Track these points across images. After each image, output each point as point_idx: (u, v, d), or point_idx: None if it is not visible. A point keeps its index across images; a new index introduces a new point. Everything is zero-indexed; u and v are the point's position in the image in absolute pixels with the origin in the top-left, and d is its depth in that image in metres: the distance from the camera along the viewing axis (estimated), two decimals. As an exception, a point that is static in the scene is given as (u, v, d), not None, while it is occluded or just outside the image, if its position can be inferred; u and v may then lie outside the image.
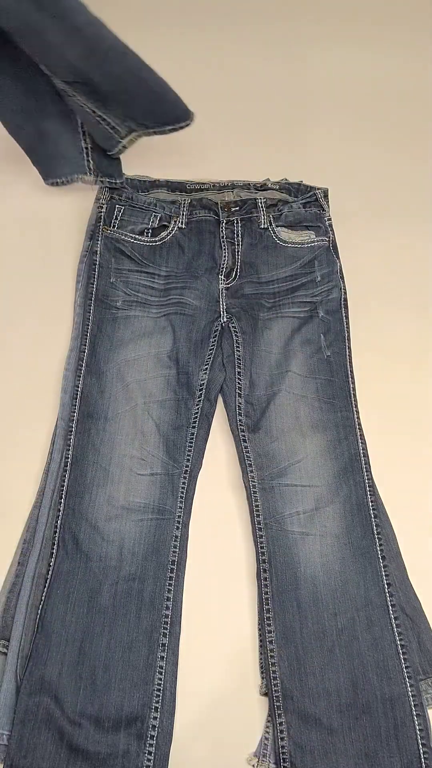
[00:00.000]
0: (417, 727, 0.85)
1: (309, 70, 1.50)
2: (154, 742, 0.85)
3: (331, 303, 1.15)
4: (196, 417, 1.06)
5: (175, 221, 1.18)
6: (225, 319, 1.13)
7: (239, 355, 1.10)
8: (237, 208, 1.19)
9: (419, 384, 1.14)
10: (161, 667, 0.88)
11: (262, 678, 0.90)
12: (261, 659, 0.91)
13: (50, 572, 0.92)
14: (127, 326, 1.11)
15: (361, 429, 1.04)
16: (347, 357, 1.11)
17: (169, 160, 1.30)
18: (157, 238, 1.16)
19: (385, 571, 0.93)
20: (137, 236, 1.16)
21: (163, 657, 0.89)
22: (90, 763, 0.83)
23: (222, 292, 1.15)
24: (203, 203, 1.19)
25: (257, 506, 0.99)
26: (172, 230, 1.17)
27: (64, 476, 0.98)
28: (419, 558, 0.98)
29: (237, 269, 1.16)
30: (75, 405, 1.04)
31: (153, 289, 1.14)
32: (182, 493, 1.00)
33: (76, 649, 0.88)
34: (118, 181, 1.14)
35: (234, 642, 0.93)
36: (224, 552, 0.99)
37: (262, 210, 1.19)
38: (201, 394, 1.07)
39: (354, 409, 1.06)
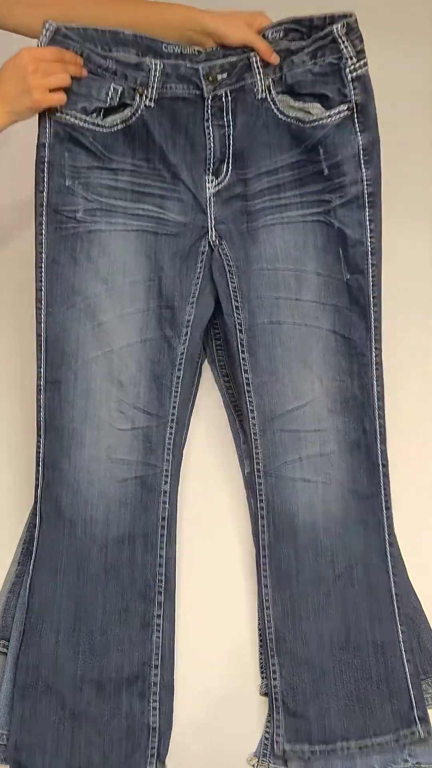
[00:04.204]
0: (408, 673, 0.85)
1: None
2: (157, 698, 0.84)
3: (347, 207, 0.90)
4: (182, 359, 0.94)
5: (142, 96, 0.89)
6: (214, 238, 0.93)
7: (234, 287, 0.93)
8: (224, 75, 0.90)
9: (420, 386, 1.14)
10: (158, 625, 0.87)
11: (262, 678, 0.90)
12: (261, 659, 0.91)
13: (36, 545, 0.89)
14: (92, 246, 0.91)
15: (380, 370, 0.92)
16: (370, 281, 0.91)
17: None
18: (117, 120, 0.90)
19: (387, 522, 0.91)
20: (88, 117, 0.89)
21: (160, 615, 0.88)
22: (95, 728, 0.82)
23: (210, 199, 0.92)
24: (180, 73, 0.90)
25: (257, 452, 0.93)
26: (137, 110, 0.90)
27: (39, 443, 0.90)
28: (419, 558, 0.98)
29: (228, 161, 0.92)
30: (40, 358, 0.89)
31: (117, 190, 0.91)
32: (169, 445, 0.93)
33: (71, 617, 0.86)
34: None
35: (234, 641, 0.93)
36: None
37: (258, 72, 0.90)
38: (187, 331, 0.94)
39: (373, 347, 0.92)
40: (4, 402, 1.08)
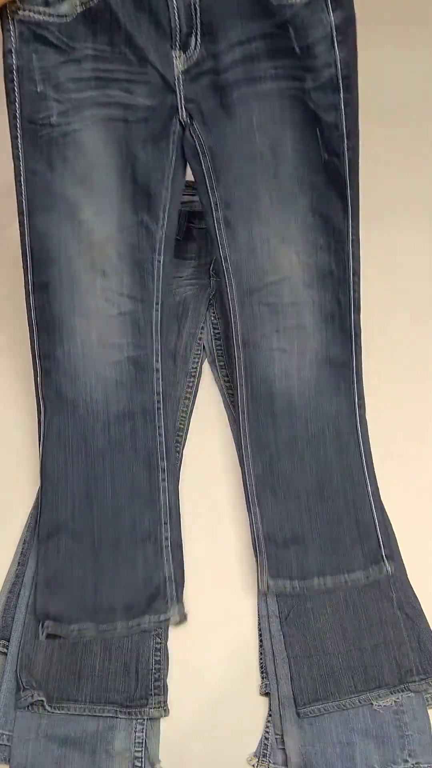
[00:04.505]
0: (375, 520, 0.94)
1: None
2: (170, 552, 0.92)
3: (321, 91, 0.85)
4: (161, 243, 0.95)
5: None
6: (185, 118, 0.89)
7: (208, 166, 0.91)
8: None
9: (420, 386, 1.14)
10: (164, 488, 0.94)
11: (263, 678, 0.90)
12: (261, 659, 0.91)
13: (42, 429, 0.94)
14: (67, 147, 0.88)
15: (356, 246, 0.93)
16: (347, 164, 0.88)
17: None
18: (76, 2, 0.82)
19: (357, 387, 0.97)
20: (50, 10, 0.82)
21: (164, 478, 0.95)
22: (115, 583, 0.90)
23: (178, 77, 0.86)
24: None
25: (235, 325, 0.97)
26: None
27: (33, 339, 0.94)
28: (419, 558, 0.98)
29: (196, 35, 0.84)
30: (26, 265, 0.91)
31: (82, 81, 0.86)
32: (157, 326, 0.97)
33: (83, 491, 0.93)
34: None
35: (234, 642, 0.93)
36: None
37: None
38: (164, 215, 0.93)
39: (350, 225, 0.92)
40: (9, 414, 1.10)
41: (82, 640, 0.88)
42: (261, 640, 0.92)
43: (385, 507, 1.00)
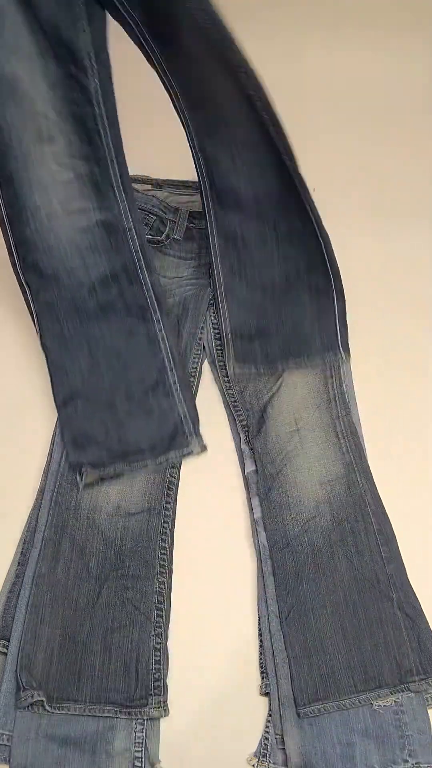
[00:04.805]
0: (336, 314, 1.03)
1: (307, 69, 1.50)
2: (179, 393, 0.99)
3: None
4: (97, 93, 0.90)
5: None
6: None
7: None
8: None
9: (419, 386, 1.14)
10: (163, 338, 1.00)
11: (263, 678, 0.90)
12: (261, 659, 0.91)
13: (32, 311, 0.97)
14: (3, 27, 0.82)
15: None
16: None
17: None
18: None
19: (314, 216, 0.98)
20: None
21: (161, 329, 1.00)
22: (136, 433, 0.96)
23: None
24: None
25: (199, 164, 0.99)
26: None
27: (6, 233, 0.95)
28: (419, 558, 0.97)
29: None
30: None
31: None
32: (117, 185, 0.96)
33: (86, 355, 0.97)
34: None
35: (234, 641, 0.93)
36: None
37: None
38: (91, 63, 0.87)
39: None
40: (11, 412, 1.10)
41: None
42: (261, 640, 0.92)
43: (386, 507, 1.01)
